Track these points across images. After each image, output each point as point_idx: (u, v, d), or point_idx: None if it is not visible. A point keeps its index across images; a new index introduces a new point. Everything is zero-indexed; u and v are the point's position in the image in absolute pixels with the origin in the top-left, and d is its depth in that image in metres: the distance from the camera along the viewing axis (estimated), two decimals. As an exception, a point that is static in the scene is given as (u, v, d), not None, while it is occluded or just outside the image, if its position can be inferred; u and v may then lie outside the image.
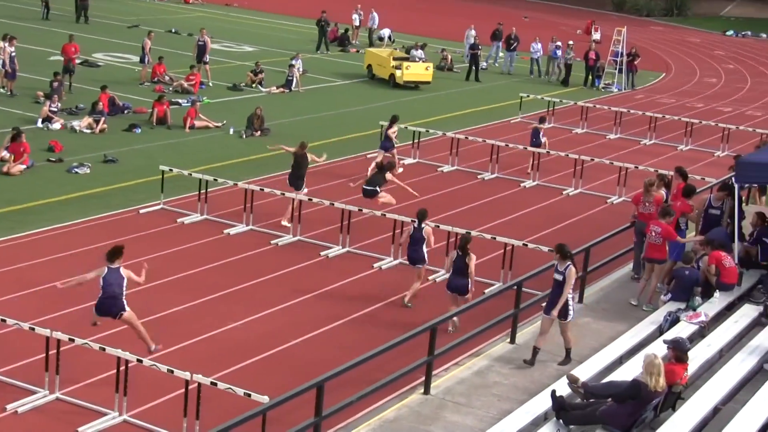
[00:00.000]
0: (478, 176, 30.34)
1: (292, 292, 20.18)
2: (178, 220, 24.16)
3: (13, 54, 35.28)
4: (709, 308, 18.13)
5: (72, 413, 14.89)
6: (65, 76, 36.44)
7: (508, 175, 30.52)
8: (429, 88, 43.68)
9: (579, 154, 30.89)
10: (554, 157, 30.84)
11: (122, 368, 14.54)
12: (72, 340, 15.16)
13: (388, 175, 25.10)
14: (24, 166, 26.83)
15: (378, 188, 24.69)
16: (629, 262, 21.77)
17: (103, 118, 32.05)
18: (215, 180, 25.00)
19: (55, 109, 32.35)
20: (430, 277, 21.50)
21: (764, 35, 75.71)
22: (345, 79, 44.70)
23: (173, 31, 52.90)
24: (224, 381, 14.31)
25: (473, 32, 50.76)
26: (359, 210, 23.55)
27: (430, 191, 27.72)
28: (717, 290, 18.64)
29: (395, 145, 29.45)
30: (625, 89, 48.85)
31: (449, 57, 50.36)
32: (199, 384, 13.90)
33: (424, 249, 19.96)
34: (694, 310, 17.91)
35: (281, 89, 40.65)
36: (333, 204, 23.73)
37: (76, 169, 27.24)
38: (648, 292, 19.48)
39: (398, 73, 43.00)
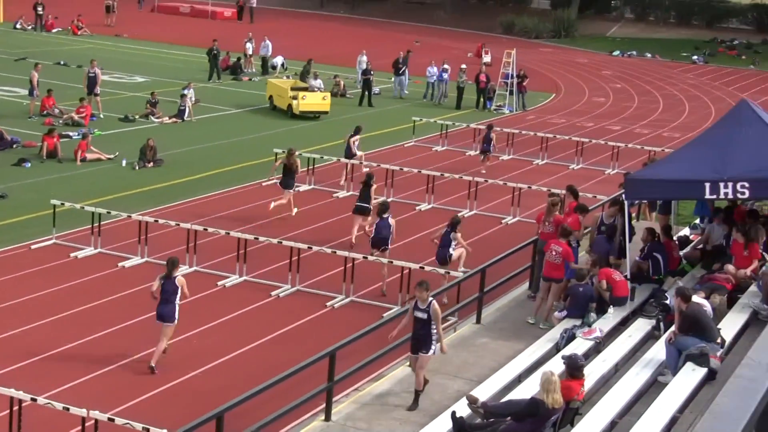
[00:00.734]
0: (374, 201, 30.38)
1: (190, 323, 19.98)
2: (71, 255, 23.80)
3: None
4: (604, 324, 18.41)
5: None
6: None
7: (403, 198, 30.67)
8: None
9: (473, 176, 31.19)
10: (449, 180, 31.10)
11: (15, 408, 14.24)
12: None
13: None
14: None
15: (370, 205, 25.59)
16: (525, 281, 22.01)
17: (-9, 153, 31.50)
18: (108, 213, 24.69)
19: (-59, 145, 31.71)
20: (327, 303, 21.52)
21: (649, 55, 77.35)
22: (238, 108, 44.51)
23: (62, 63, 52.15)
24: (122, 416, 14.11)
25: (365, 58, 50.95)
26: (255, 238, 23.47)
27: (326, 217, 27.75)
28: (611, 305, 18.94)
29: (357, 153, 32.12)
30: (516, 110, 49.45)
31: (342, 83, 50.49)
32: (96, 420, 13.67)
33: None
34: (590, 326, 18.17)
35: (174, 119, 40.33)
36: (228, 233, 23.62)
37: (-36, 206, 26.71)
38: (545, 311, 19.71)
39: (294, 103, 42.87)
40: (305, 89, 44.38)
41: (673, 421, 14.39)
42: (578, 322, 18.39)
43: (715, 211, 22.41)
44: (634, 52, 78.29)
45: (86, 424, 13.76)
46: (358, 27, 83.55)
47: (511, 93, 50.22)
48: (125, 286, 21.95)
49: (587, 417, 14.44)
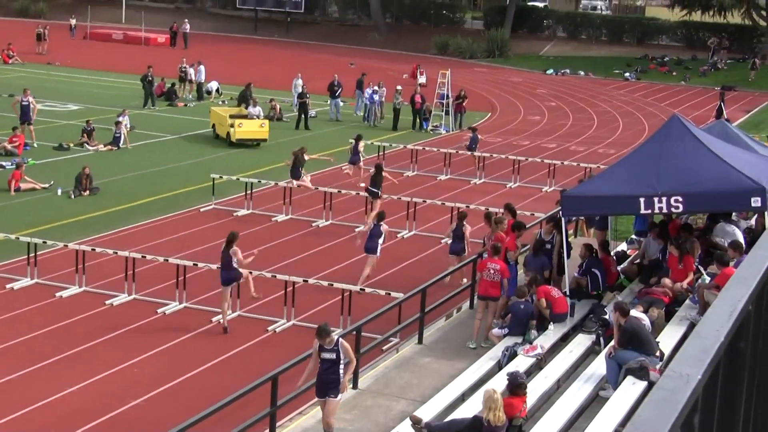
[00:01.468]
0: (312, 224, 30.44)
1: (128, 353, 19.81)
2: (7, 286, 23.51)
3: None
4: (545, 340, 18.53)
5: None
6: None
7: (342, 221, 30.69)
8: (259, 138, 43.58)
9: (411, 197, 31.29)
10: (387, 201, 31.17)
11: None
12: None
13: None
14: None
15: (379, 190, 29.61)
16: (466, 300, 22.08)
17: None
18: (44, 242, 24.44)
19: None
20: (269, 328, 21.44)
21: (582, 72, 78.22)
22: (174, 134, 44.26)
23: (-7, 92, 51.63)
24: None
25: (300, 81, 50.95)
26: (194, 265, 23.34)
27: (265, 242, 27.67)
28: (551, 322, 19.07)
29: (362, 158, 35.66)
30: (452, 130, 49.67)
31: (278, 107, 50.39)
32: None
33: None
34: (531, 343, 18.28)
35: (109, 147, 40.02)
36: (167, 260, 23.47)
37: None
38: (484, 330, 19.75)
39: (231, 131, 42.40)
40: (244, 117, 44.01)
41: (615, 435, 14.50)
42: (519, 340, 18.49)
43: (651, 226, 22.66)
44: (568, 71, 79.16)
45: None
46: (292, 50, 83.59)
47: (447, 113, 50.48)
48: (63, 317, 21.70)
49: (530, 434, 14.52)
